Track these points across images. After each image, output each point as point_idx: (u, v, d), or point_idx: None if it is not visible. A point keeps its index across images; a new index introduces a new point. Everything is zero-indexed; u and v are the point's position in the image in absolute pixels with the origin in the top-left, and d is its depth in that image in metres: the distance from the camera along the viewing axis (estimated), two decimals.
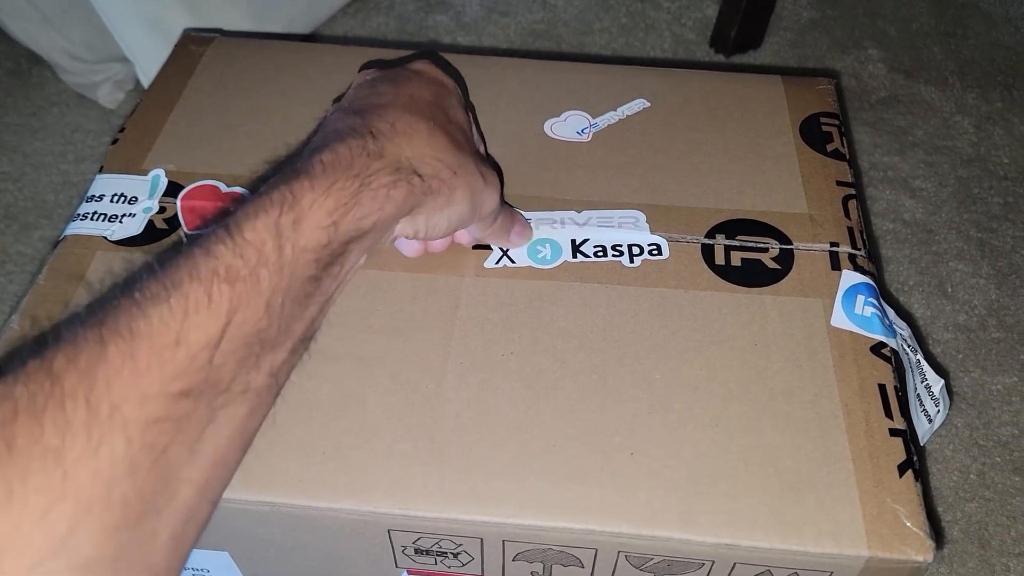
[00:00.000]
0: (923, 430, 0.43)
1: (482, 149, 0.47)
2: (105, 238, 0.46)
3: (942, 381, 0.44)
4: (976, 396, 0.63)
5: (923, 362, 0.44)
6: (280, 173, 0.34)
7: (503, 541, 0.38)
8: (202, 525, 0.30)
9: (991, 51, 0.95)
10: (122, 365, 0.26)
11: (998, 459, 0.60)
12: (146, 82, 0.80)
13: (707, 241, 0.47)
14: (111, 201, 0.48)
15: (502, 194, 0.43)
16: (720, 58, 0.94)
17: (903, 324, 0.45)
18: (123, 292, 0.29)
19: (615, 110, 0.55)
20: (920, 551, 0.36)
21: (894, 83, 0.91)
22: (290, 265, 0.31)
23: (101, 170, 0.50)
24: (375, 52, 0.59)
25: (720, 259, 0.46)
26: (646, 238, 0.47)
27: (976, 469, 0.60)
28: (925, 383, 0.44)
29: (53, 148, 0.81)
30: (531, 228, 0.47)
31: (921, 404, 0.43)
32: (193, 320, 0.28)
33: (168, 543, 0.28)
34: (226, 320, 0.29)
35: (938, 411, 0.44)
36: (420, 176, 0.37)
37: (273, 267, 0.31)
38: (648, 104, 0.55)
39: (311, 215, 0.32)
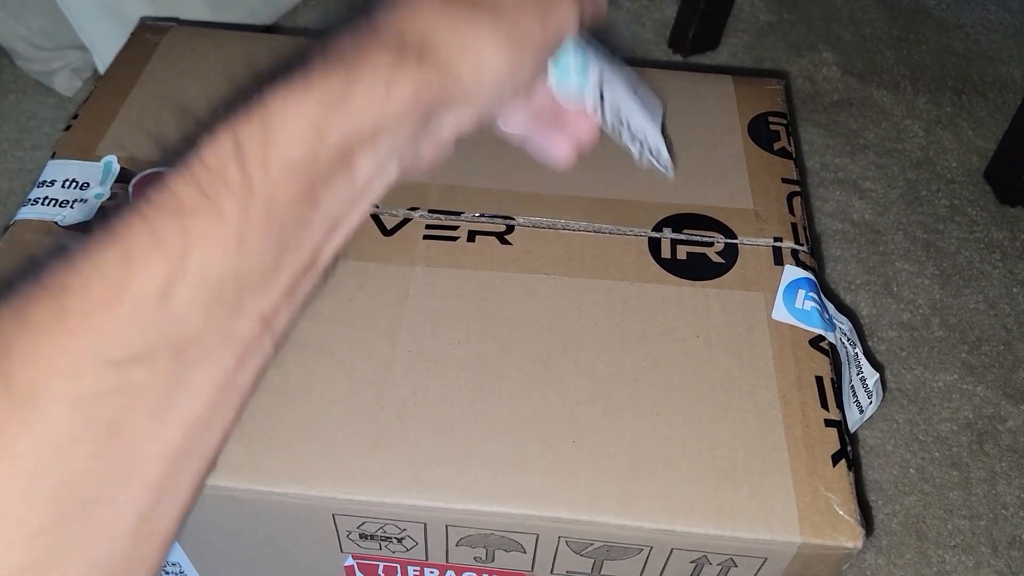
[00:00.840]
0: (853, 420, 0.45)
1: None
2: (56, 223, 0.46)
3: (877, 375, 0.45)
4: (918, 393, 0.65)
5: (861, 356, 0.46)
6: None
7: (446, 526, 0.39)
8: (184, 503, 0.26)
9: (942, 57, 0.97)
10: (49, 331, 0.22)
11: (937, 454, 0.62)
12: (104, 70, 0.80)
13: (654, 234, 0.48)
14: (62, 186, 0.48)
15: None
16: (678, 58, 0.95)
17: (843, 319, 0.46)
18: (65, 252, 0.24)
19: None
20: (851, 538, 0.37)
21: (847, 86, 0.93)
22: (264, 188, 0.25)
23: (53, 156, 0.50)
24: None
25: (666, 252, 0.47)
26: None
27: (916, 464, 0.61)
28: (861, 376, 0.46)
29: (9, 135, 0.80)
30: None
31: (855, 395, 0.44)
32: (137, 266, 0.23)
33: (130, 533, 0.23)
34: (179, 262, 0.23)
35: (870, 403, 0.45)
36: (431, 49, 0.29)
37: (239, 193, 0.24)
38: None
39: (283, 124, 0.26)
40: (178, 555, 0.43)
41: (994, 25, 1.01)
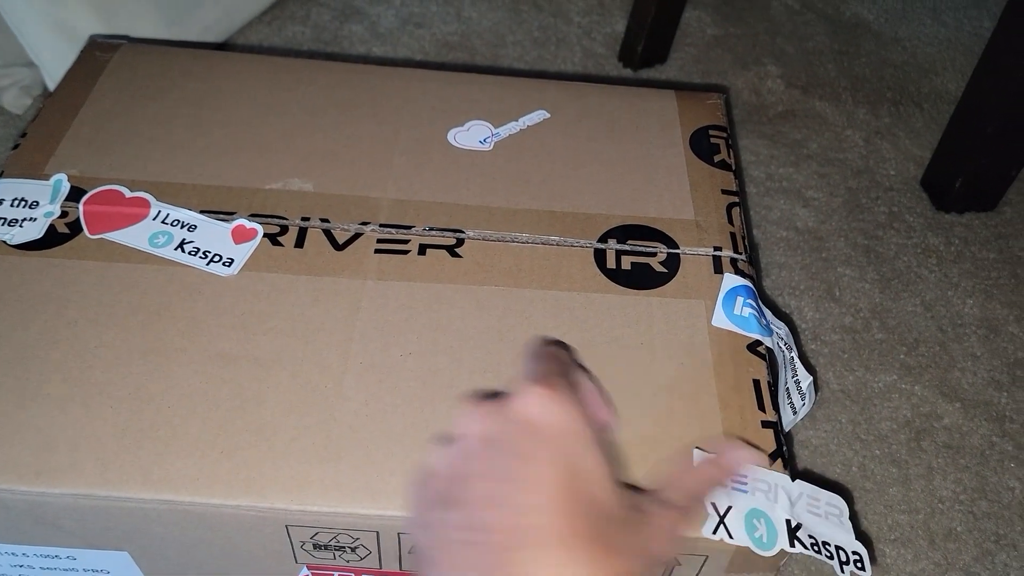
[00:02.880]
0: (787, 420, 0.47)
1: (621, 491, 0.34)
2: (4, 242, 0.46)
3: (810, 378, 0.47)
4: (859, 393, 0.67)
5: (796, 359, 0.47)
6: None
7: (398, 534, 0.39)
8: None
9: (881, 69, 1.00)
10: None
11: (878, 452, 0.64)
12: (53, 87, 0.79)
13: (599, 245, 0.49)
14: (11, 205, 0.48)
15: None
16: (628, 72, 0.97)
17: (780, 324, 0.48)
18: None
19: (516, 120, 0.57)
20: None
21: (791, 98, 0.95)
22: None
23: (1, 175, 0.50)
24: (288, 62, 0.60)
25: (612, 263, 0.48)
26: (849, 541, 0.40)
27: (857, 462, 0.63)
28: (795, 378, 0.47)
29: None
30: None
31: (789, 397, 0.46)
32: None
33: None
34: None
35: (803, 404, 0.47)
36: None
37: None
38: (548, 115, 0.58)
39: None
40: (131, 569, 0.43)
41: (929, 39, 1.05)
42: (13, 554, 0.42)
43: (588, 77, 0.96)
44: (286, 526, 0.39)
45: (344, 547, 0.41)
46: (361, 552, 0.41)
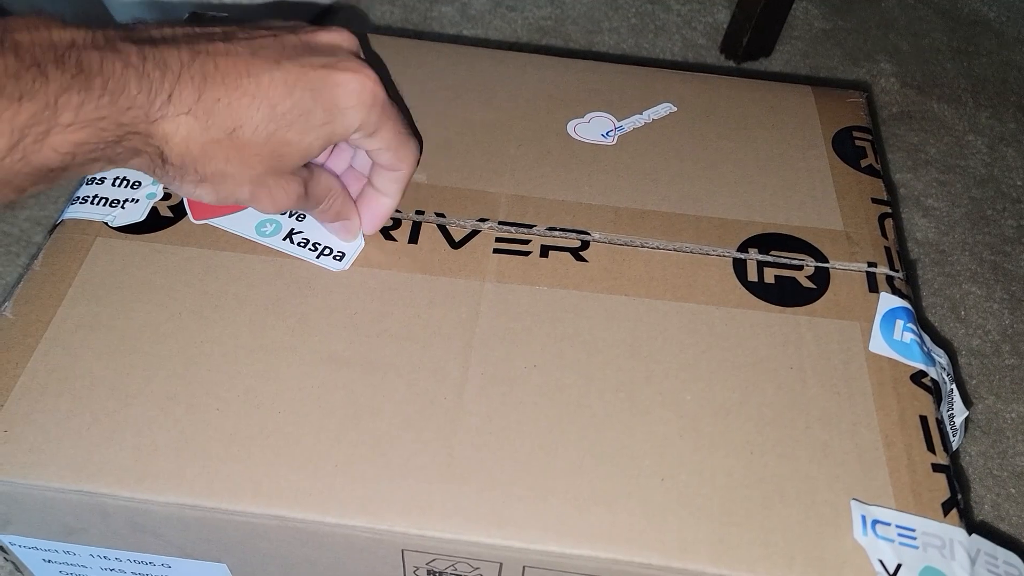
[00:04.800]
0: None
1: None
2: (106, 224, 0.43)
3: (966, 412, 0.42)
4: (990, 424, 0.62)
5: (955, 392, 0.43)
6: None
7: (523, 567, 0.36)
8: None
9: (1004, 71, 0.94)
10: None
11: (1012, 490, 0.59)
12: None
13: (739, 255, 0.45)
14: (112, 185, 0.45)
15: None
16: (730, 64, 0.92)
17: (940, 352, 0.43)
18: None
19: (641, 113, 0.53)
20: None
21: (906, 99, 0.89)
22: None
23: None
24: (391, 41, 0.56)
25: (753, 275, 0.44)
26: None
27: (991, 500, 0.58)
28: (951, 412, 0.43)
29: None
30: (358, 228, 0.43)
31: None
32: None
33: None
34: None
35: (954, 440, 0.42)
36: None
37: None
38: (675, 109, 0.53)
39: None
40: None
41: None
42: (105, 557, 0.40)
43: (690, 68, 0.91)
44: (402, 550, 0.36)
45: None
46: None
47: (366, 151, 0.40)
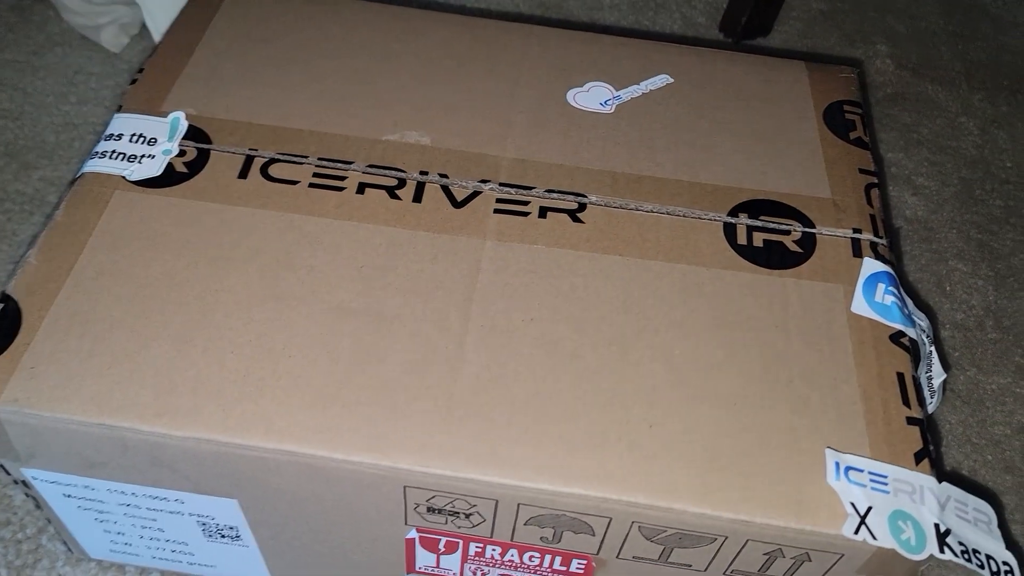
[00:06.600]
0: None
1: None
2: (124, 177, 0.45)
3: (944, 375, 0.44)
4: (971, 394, 0.64)
5: (934, 354, 0.45)
6: None
7: (518, 504, 0.38)
8: None
9: (998, 54, 0.95)
10: None
11: (990, 457, 0.61)
12: (152, 27, 0.79)
13: (729, 219, 0.47)
14: (130, 141, 0.47)
15: None
16: (728, 43, 0.93)
17: (922, 315, 0.45)
18: None
19: (638, 84, 0.55)
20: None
21: (901, 80, 0.91)
22: None
23: (120, 109, 0.49)
24: (400, 11, 0.58)
25: (742, 239, 0.46)
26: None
27: (968, 466, 0.60)
28: (929, 374, 0.45)
29: (54, 88, 0.79)
30: None
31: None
32: None
33: None
34: None
35: (931, 403, 0.44)
36: None
37: None
38: (671, 80, 0.55)
39: None
40: (236, 517, 0.42)
41: None
42: (122, 492, 0.42)
43: (688, 42, 0.93)
44: (404, 487, 0.38)
45: (459, 513, 0.39)
46: (475, 519, 0.40)
47: None
